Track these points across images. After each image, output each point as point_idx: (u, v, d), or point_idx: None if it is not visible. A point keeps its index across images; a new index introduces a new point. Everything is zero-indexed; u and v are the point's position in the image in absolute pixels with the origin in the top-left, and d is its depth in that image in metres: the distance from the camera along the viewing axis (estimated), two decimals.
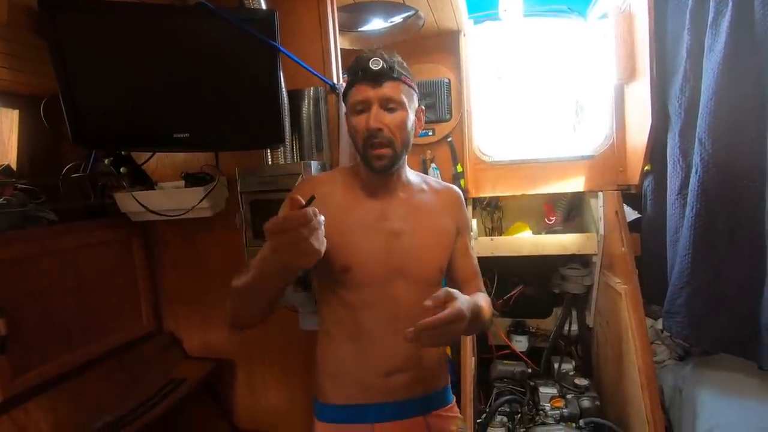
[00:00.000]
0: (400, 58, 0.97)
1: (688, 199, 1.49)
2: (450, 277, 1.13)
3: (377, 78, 0.92)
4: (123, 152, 1.51)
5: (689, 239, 1.46)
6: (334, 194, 1.01)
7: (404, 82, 0.95)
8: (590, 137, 2.30)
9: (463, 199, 1.15)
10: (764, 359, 1.32)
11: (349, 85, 0.97)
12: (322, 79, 1.43)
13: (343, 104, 1.42)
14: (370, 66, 0.92)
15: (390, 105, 0.94)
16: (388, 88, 0.93)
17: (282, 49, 1.29)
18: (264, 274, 0.81)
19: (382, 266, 0.98)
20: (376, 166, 0.96)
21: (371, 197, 1.02)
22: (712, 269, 1.42)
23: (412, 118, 0.98)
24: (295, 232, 0.71)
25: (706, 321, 1.44)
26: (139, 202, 1.48)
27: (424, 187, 1.10)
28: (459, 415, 1.15)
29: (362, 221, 0.99)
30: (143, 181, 1.56)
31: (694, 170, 1.44)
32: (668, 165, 1.64)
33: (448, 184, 1.16)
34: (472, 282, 1.12)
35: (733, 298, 1.39)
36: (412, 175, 1.10)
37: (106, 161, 1.48)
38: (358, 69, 0.94)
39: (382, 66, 0.92)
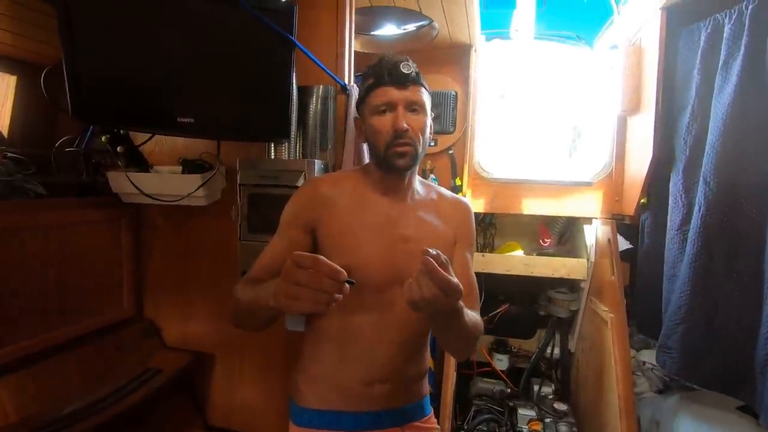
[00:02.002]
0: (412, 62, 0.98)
1: (689, 235, 1.51)
2: None
3: (405, 81, 0.93)
4: (121, 131, 1.47)
5: (688, 276, 1.48)
6: (341, 196, 1.00)
7: (425, 87, 0.98)
8: (585, 164, 2.34)
9: (471, 213, 1.13)
10: (757, 403, 1.33)
11: (372, 86, 0.96)
12: (334, 78, 1.41)
13: (352, 106, 1.43)
14: (401, 69, 0.93)
15: (414, 107, 0.95)
16: (412, 91, 0.94)
17: (298, 44, 1.28)
18: (265, 307, 0.79)
19: (383, 270, 0.97)
20: (399, 165, 0.95)
21: (380, 201, 1.01)
22: (709, 307, 1.44)
23: (429, 123, 1.00)
24: (320, 292, 0.64)
25: (701, 358, 1.45)
26: (133, 184, 1.43)
27: (434, 196, 1.09)
28: (436, 426, 1.15)
29: (369, 224, 0.98)
30: (139, 162, 1.51)
31: (697, 208, 1.47)
32: (670, 200, 1.67)
33: (459, 196, 1.15)
34: (468, 298, 1.05)
35: (729, 337, 1.40)
36: (421, 182, 1.09)
37: (102, 138, 1.43)
38: (384, 71, 0.94)
39: (412, 70, 0.94)
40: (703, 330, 1.45)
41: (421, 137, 0.96)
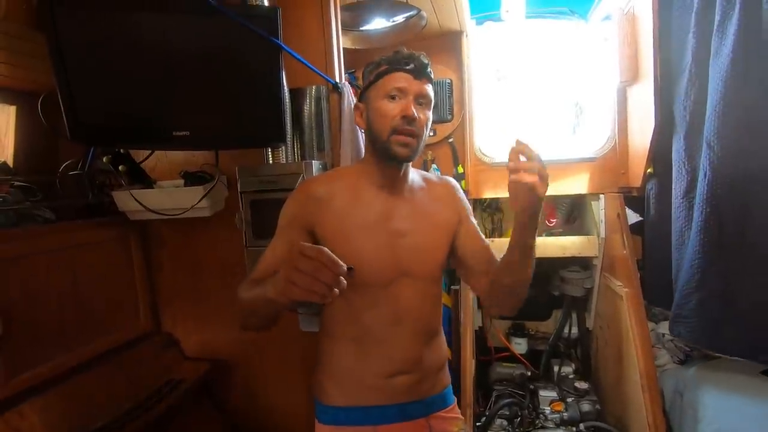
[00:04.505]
0: None
1: (696, 202, 1.48)
2: (464, 263, 1.08)
3: (422, 72, 0.95)
4: (121, 150, 1.49)
5: (698, 243, 1.45)
6: (336, 195, 1.00)
7: (433, 86, 0.99)
8: (590, 139, 2.30)
9: (459, 186, 1.16)
10: None
11: (387, 71, 0.96)
12: (324, 78, 1.42)
13: (351, 100, 1.43)
14: (422, 59, 0.95)
15: (422, 101, 0.96)
16: (425, 85, 0.96)
17: (284, 46, 1.28)
18: (265, 300, 0.81)
19: (387, 266, 0.99)
20: (400, 153, 0.95)
21: (376, 197, 1.01)
22: (724, 273, 1.41)
23: (431, 119, 1.01)
24: (321, 272, 0.66)
25: (719, 325, 1.43)
26: (137, 201, 1.46)
27: (423, 184, 1.10)
28: (460, 416, 1.16)
29: (366, 221, 0.99)
30: (142, 179, 1.53)
31: (702, 174, 1.43)
32: (673, 168, 1.63)
33: (442, 176, 1.18)
34: (493, 258, 1.04)
35: (747, 302, 1.38)
36: (413, 173, 1.10)
37: (104, 159, 1.46)
38: (402, 58, 0.96)
39: (428, 64, 0.97)
40: (719, 297, 1.42)
41: (424, 131, 0.97)
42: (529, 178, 0.77)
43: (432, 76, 0.98)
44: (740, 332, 1.39)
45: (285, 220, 1.01)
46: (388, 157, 0.96)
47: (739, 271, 1.39)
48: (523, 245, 0.89)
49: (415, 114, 0.93)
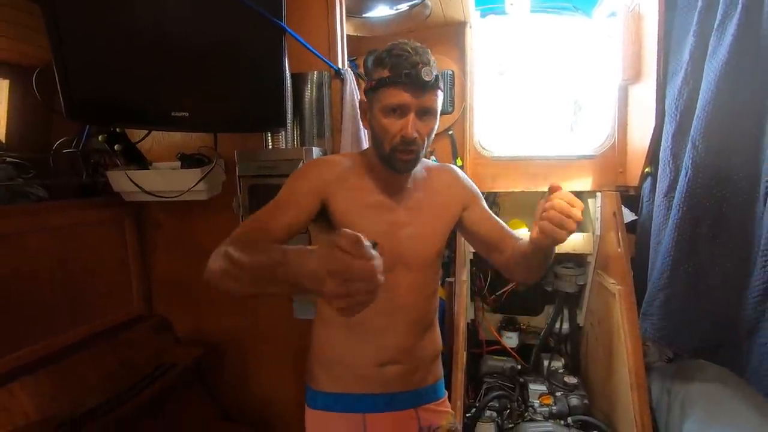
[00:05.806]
0: (431, 55, 0.92)
1: (674, 201, 1.47)
2: (481, 243, 1.08)
3: (423, 88, 0.88)
4: (118, 129, 1.46)
5: (672, 241, 1.45)
6: (346, 177, 0.99)
7: (440, 89, 0.93)
8: (588, 137, 2.30)
9: (461, 172, 1.13)
10: (742, 367, 1.33)
11: (387, 82, 0.89)
12: (327, 63, 1.40)
13: (353, 88, 1.41)
14: (422, 76, 0.86)
15: (425, 113, 0.91)
16: (428, 99, 0.90)
17: (288, 29, 1.25)
18: (282, 282, 0.67)
19: (386, 254, 0.96)
20: (400, 169, 0.96)
21: (379, 187, 1.01)
22: (694, 272, 1.42)
23: (437, 123, 0.97)
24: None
25: (683, 324, 1.44)
26: (133, 182, 1.44)
27: (425, 173, 1.09)
28: (450, 410, 1.16)
29: (368, 208, 0.98)
30: (138, 160, 1.51)
31: (683, 172, 1.43)
32: (659, 167, 1.64)
33: (444, 164, 1.15)
34: (508, 235, 1.04)
35: (712, 302, 1.38)
36: None
37: (99, 138, 1.43)
38: (402, 69, 0.87)
39: (432, 77, 0.88)
40: (686, 296, 1.42)
41: (426, 141, 0.94)
42: (571, 226, 0.79)
43: (439, 82, 0.91)
44: (703, 332, 1.40)
45: (296, 182, 0.95)
46: (389, 166, 0.96)
47: (707, 272, 1.39)
48: (541, 252, 0.90)
49: (414, 135, 0.89)
